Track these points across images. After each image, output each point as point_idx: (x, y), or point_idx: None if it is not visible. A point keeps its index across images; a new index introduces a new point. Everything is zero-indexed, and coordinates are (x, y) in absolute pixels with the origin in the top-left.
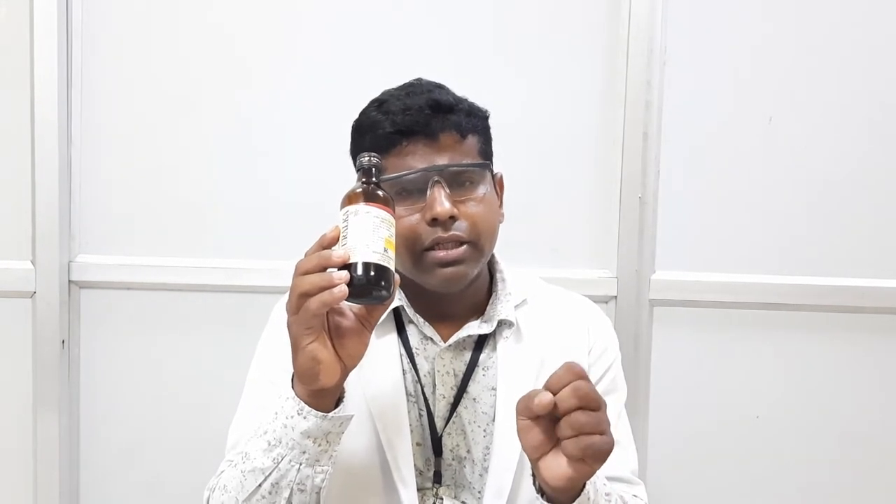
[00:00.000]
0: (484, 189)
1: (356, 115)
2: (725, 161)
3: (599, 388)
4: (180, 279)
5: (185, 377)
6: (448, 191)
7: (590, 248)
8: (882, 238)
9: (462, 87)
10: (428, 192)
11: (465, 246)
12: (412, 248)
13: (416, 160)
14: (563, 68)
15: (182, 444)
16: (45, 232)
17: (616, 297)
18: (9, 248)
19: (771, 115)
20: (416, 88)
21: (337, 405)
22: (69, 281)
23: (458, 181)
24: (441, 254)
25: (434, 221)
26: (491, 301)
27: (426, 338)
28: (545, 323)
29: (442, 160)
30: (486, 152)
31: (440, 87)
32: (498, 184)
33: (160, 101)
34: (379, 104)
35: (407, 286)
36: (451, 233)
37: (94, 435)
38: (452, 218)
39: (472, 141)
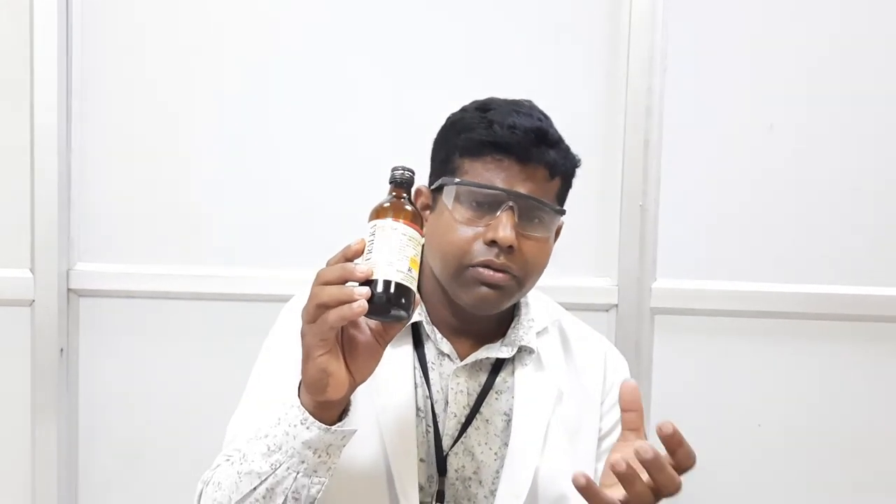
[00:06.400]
0: (548, 233)
1: (356, 122)
2: (726, 168)
3: (615, 431)
4: (179, 287)
5: (184, 385)
6: (517, 220)
7: (591, 256)
8: (883, 246)
9: (462, 92)
10: (497, 213)
11: (510, 276)
12: (459, 259)
13: (498, 177)
14: (563, 74)
15: (180, 452)
16: (44, 240)
17: (617, 305)
18: (7, 257)
19: (772, 123)
20: (524, 108)
21: (342, 417)
22: (68, 289)
23: (529, 215)
24: (486, 272)
25: (493, 244)
26: (513, 325)
27: (443, 354)
28: (565, 355)
29: (524, 189)
30: (563, 199)
31: (547, 117)
32: (557, 232)
33: (159, 109)
34: (484, 109)
35: (433, 294)
36: (503, 262)
37: (93, 443)
38: (511, 248)
39: (556, 183)
